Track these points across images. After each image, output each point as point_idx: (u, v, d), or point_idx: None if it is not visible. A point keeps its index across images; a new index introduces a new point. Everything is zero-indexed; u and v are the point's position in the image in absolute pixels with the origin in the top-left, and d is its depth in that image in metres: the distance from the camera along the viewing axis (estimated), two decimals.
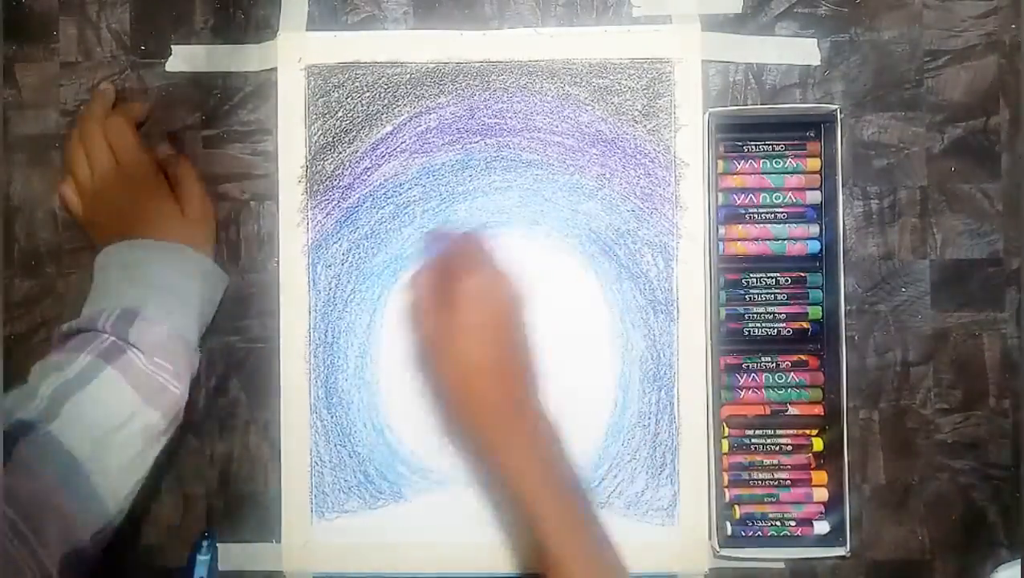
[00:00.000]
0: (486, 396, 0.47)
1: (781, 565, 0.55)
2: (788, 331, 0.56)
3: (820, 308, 0.56)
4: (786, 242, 0.56)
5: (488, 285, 0.48)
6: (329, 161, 0.56)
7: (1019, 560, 0.54)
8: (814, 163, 0.56)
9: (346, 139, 0.56)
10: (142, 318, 0.49)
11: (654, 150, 0.56)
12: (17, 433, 0.44)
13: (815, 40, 0.56)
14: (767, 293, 0.56)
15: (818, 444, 0.55)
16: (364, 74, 0.56)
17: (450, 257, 0.50)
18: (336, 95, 0.56)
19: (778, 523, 0.55)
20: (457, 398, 0.48)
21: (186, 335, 0.52)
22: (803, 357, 0.56)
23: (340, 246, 0.56)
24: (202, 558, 0.54)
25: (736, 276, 0.56)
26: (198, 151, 0.57)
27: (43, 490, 0.43)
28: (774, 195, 0.56)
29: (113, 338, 0.49)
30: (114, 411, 0.47)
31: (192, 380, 0.52)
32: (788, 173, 0.56)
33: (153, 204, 0.54)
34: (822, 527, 0.54)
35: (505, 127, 0.56)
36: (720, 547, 0.54)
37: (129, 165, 0.54)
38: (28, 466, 0.43)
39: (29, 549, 0.41)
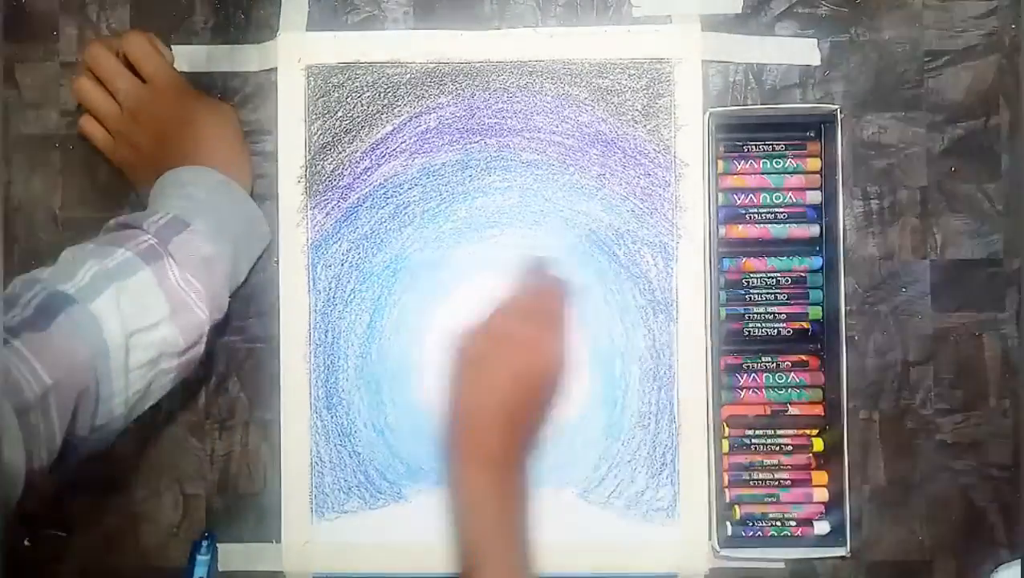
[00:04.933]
0: (485, 436, 0.43)
1: (781, 565, 0.55)
2: (788, 331, 0.56)
3: (820, 308, 0.56)
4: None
5: (544, 352, 0.44)
6: (329, 161, 0.56)
7: (1019, 560, 0.54)
8: (814, 163, 0.56)
9: (346, 139, 0.56)
10: (190, 230, 0.48)
11: (654, 150, 0.56)
12: (59, 304, 0.42)
13: (815, 40, 0.56)
14: (767, 293, 0.56)
15: (818, 444, 0.55)
16: (364, 74, 0.56)
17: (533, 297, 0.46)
18: (336, 95, 0.56)
19: (778, 523, 0.55)
20: (460, 427, 0.44)
21: (222, 265, 0.50)
22: (803, 357, 0.56)
23: (340, 246, 0.56)
24: (202, 558, 0.54)
25: (736, 276, 0.56)
26: None
27: (77, 366, 0.42)
28: (774, 195, 0.56)
29: (154, 241, 0.47)
30: (144, 313, 0.45)
31: (213, 330, 0.50)
32: (788, 173, 0.56)
33: (200, 119, 0.53)
34: (822, 527, 0.54)
35: (505, 127, 0.56)
36: (720, 547, 0.54)
37: (162, 81, 0.53)
38: (68, 338, 0.42)
39: (48, 422, 0.40)
